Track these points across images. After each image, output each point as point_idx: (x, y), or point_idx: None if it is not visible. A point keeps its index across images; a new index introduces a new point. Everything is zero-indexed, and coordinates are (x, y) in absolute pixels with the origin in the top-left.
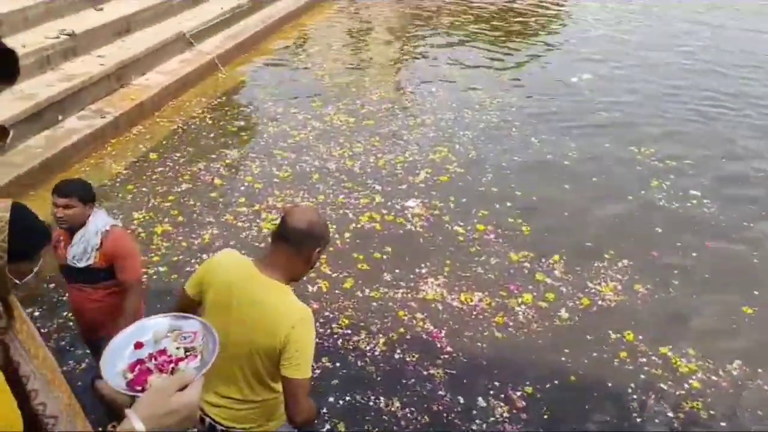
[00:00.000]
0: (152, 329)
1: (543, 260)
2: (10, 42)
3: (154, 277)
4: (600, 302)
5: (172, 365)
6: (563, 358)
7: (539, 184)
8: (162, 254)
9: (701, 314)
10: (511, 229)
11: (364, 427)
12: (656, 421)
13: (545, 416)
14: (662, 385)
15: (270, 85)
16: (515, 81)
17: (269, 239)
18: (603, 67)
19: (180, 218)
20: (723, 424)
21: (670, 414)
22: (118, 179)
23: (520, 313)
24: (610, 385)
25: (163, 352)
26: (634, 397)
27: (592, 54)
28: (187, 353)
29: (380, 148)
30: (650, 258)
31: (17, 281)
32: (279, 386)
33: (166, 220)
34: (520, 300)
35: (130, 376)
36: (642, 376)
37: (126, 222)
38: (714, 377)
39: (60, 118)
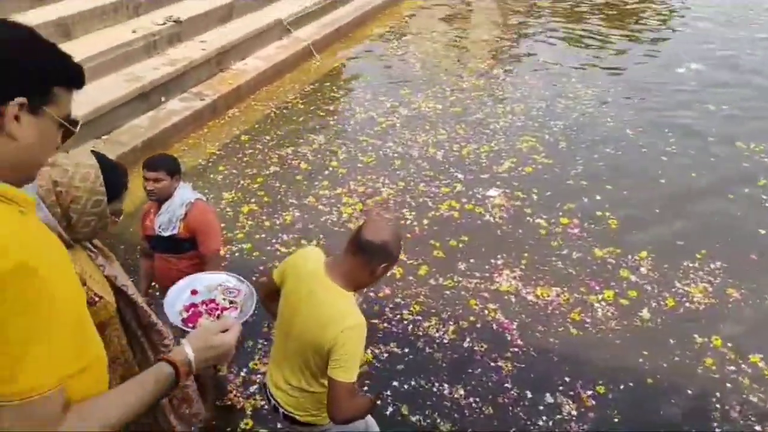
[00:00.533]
0: (207, 281)
1: (629, 257)
2: (123, 28)
3: (237, 254)
4: (687, 304)
5: (218, 312)
6: (641, 360)
7: (632, 178)
8: (246, 232)
9: None
10: (598, 224)
11: (426, 413)
12: None
13: (615, 419)
14: (751, 397)
15: (362, 72)
16: (616, 70)
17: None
18: (713, 58)
19: (266, 199)
20: None
21: (758, 428)
22: (212, 160)
23: (599, 310)
24: (690, 392)
25: (212, 300)
26: (717, 406)
27: (702, 45)
28: (231, 305)
29: (465, 137)
30: (748, 261)
31: (116, 219)
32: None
33: (253, 200)
34: (600, 297)
35: (185, 315)
36: (728, 385)
37: (216, 201)
38: None
39: (163, 99)
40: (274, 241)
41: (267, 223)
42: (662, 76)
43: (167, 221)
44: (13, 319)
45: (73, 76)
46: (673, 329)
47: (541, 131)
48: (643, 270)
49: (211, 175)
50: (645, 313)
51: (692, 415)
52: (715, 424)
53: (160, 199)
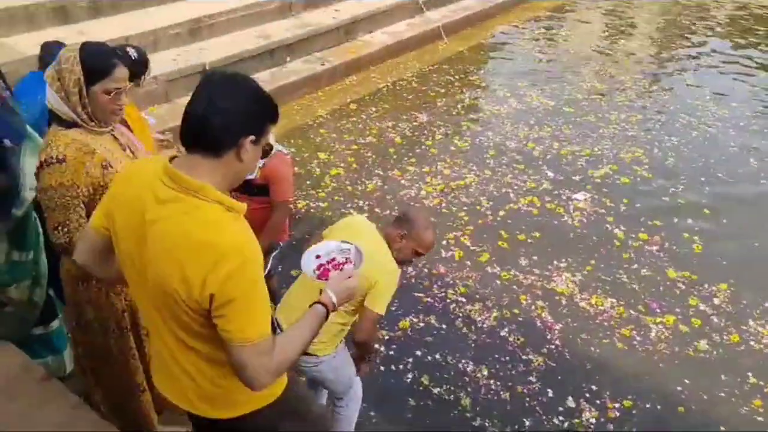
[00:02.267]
0: (324, 249)
1: (705, 285)
2: None
3: (312, 210)
4: (753, 343)
5: (340, 266)
6: (680, 388)
7: (738, 207)
8: (327, 192)
9: None
10: (681, 246)
11: (446, 386)
12: None
13: None
14: None
15: (484, 60)
16: (758, 96)
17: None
18: None
19: (354, 166)
20: None
21: None
22: (317, 121)
23: (653, 331)
24: (722, 429)
25: (333, 259)
26: None
27: None
28: (347, 260)
29: (569, 137)
30: None
31: (112, 99)
32: (347, 318)
33: (342, 164)
34: (658, 319)
35: (318, 272)
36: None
37: (309, 159)
38: None
39: (288, 59)
40: (349, 205)
41: (349, 188)
42: None
43: None
44: (252, 291)
45: (276, 114)
46: (727, 365)
47: (651, 144)
48: (716, 301)
49: (311, 135)
50: (702, 343)
51: None
52: None
53: None
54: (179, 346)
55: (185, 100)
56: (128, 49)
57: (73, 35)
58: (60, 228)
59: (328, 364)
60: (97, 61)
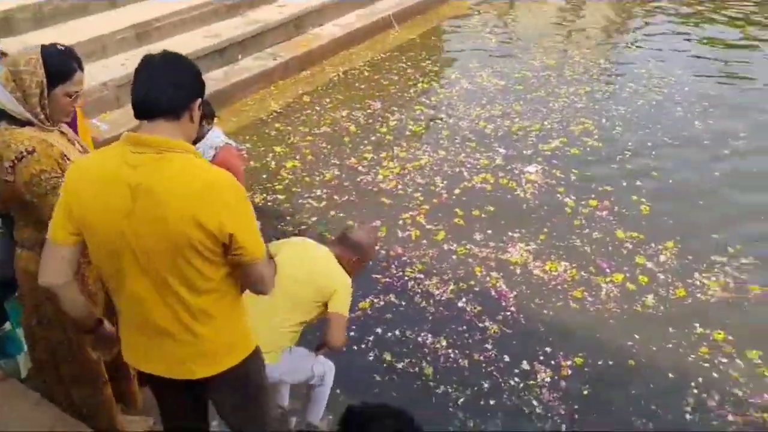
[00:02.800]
0: None
1: (652, 244)
2: None
3: (269, 203)
4: (699, 295)
5: None
6: (630, 342)
7: (683, 168)
8: (285, 184)
9: None
10: (630, 209)
11: (409, 360)
12: (711, 422)
13: (585, 391)
14: (736, 390)
15: (435, 45)
16: (710, 62)
17: None
18: None
19: (310, 157)
20: None
21: (730, 418)
22: (272, 116)
23: (604, 290)
24: (671, 376)
25: None
26: (695, 392)
27: None
28: None
29: (520, 113)
30: None
31: (72, 101)
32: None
33: (298, 156)
34: (608, 279)
35: None
36: (714, 375)
37: (264, 153)
38: None
39: (239, 57)
40: (306, 195)
41: (307, 179)
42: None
43: None
44: (252, 214)
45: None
46: (674, 318)
47: (600, 115)
48: (662, 258)
49: (266, 130)
50: (649, 299)
51: (664, 398)
52: (688, 409)
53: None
54: (177, 309)
55: None
56: (58, 46)
57: (18, 46)
58: None
59: (278, 370)
60: (59, 64)
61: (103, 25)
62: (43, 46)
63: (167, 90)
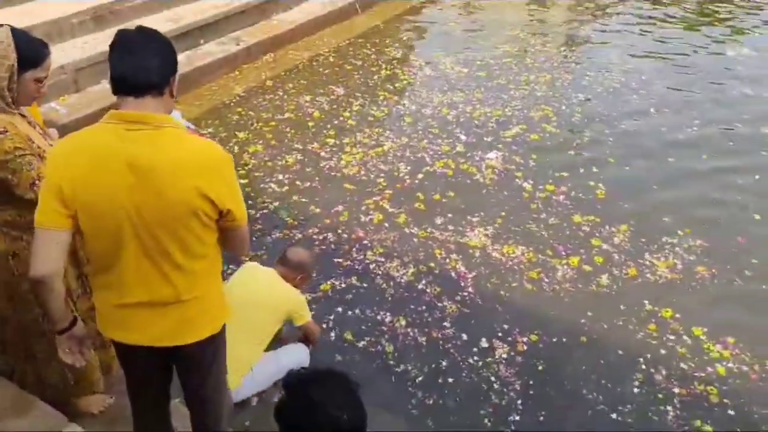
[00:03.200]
0: None
1: (607, 227)
2: None
3: None
4: (648, 275)
5: None
6: (583, 320)
7: (639, 154)
8: (247, 169)
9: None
10: (586, 193)
11: (369, 338)
12: (657, 395)
13: (539, 367)
14: (682, 365)
15: (399, 32)
16: (663, 49)
17: None
18: None
19: (273, 142)
20: (731, 413)
21: (675, 390)
22: (234, 101)
23: (560, 272)
24: (620, 352)
25: None
26: (643, 367)
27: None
28: None
29: (481, 100)
30: (732, 243)
31: (41, 87)
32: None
33: (261, 142)
34: (564, 261)
35: None
36: (662, 351)
37: (227, 138)
38: (745, 368)
39: (201, 41)
40: (268, 179)
41: (269, 164)
42: (712, 59)
43: None
44: (236, 180)
45: None
46: (626, 296)
47: (560, 102)
48: (616, 240)
49: (229, 115)
50: (604, 279)
51: (614, 373)
52: (636, 383)
53: None
54: (173, 277)
55: (96, 88)
56: None
57: None
58: (35, 184)
59: (246, 389)
60: (31, 49)
61: (60, 7)
62: (12, 29)
63: (154, 65)
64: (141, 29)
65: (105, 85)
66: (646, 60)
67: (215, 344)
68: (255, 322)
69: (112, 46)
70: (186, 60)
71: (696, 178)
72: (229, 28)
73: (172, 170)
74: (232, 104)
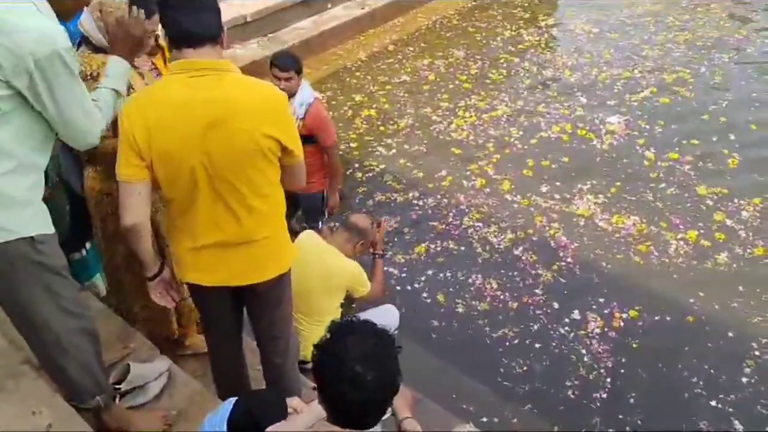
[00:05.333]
0: None
1: (735, 200)
2: None
3: (341, 152)
4: None
5: None
6: (692, 299)
7: None
8: (359, 134)
9: None
10: (716, 163)
11: (455, 300)
12: (766, 386)
13: (634, 344)
14: None
15: None
16: None
17: None
18: None
19: (386, 106)
20: None
21: None
22: (357, 64)
23: (673, 246)
24: (731, 335)
25: None
26: (756, 353)
27: None
28: None
29: (609, 62)
30: None
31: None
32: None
33: (375, 106)
34: (680, 236)
35: None
36: None
37: (344, 102)
38: None
39: (329, 6)
40: (377, 144)
41: (381, 128)
42: None
43: None
44: (292, 120)
45: None
46: (746, 277)
47: (699, 63)
48: (744, 214)
49: (347, 78)
50: (722, 257)
51: (721, 357)
52: (747, 371)
53: (289, 95)
54: (244, 216)
55: (228, 53)
56: None
57: None
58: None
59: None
60: (142, 3)
61: None
62: None
63: (210, 16)
64: None
65: (236, 51)
66: None
67: (283, 284)
68: (310, 302)
69: (163, 3)
70: (312, 25)
71: None
72: None
73: (238, 113)
74: (353, 68)
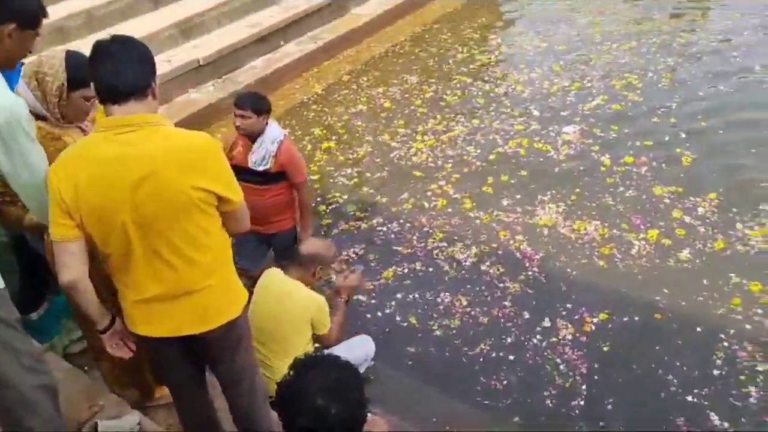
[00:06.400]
0: None
1: (691, 198)
2: None
3: None
4: (739, 246)
5: None
6: (658, 297)
7: (737, 117)
8: (319, 166)
9: None
10: (670, 163)
11: (426, 321)
12: (738, 376)
13: (606, 348)
14: None
15: (478, 13)
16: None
17: None
18: None
19: (345, 136)
20: None
21: (759, 368)
22: (313, 97)
23: (636, 247)
24: (699, 330)
25: None
26: (725, 344)
27: None
28: None
29: (559, 73)
30: None
31: (89, 105)
32: None
33: (333, 137)
34: (641, 236)
35: None
36: (747, 326)
37: (302, 136)
38: None
39: (282, 43)
40: (337, 174)
41: (341, 158)
42: None
43: (261, 158)
44: (228, 165)
45: None
46: (709, 271)
47: (646, 68)
48: (701, 210)
49: (304, 113)
50: (684, 253)
51: (691, 353)
52: (718, 363)
53: (248, 134)
54: (184, 269)
55: (183, 98)
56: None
57: None
58: None
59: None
60: (81, 71)
61: (149, 24)
62: (67, 52)
63: (135, 70)
64: (115, 38)
65: (191, 95)
66: (749, 17)
67: (237, 329)
68: (278, 338)
69: (91, 57)
70: (266, 63)
71: None
72: (308, 28)
73: (167, 167)
74: (310, 102)
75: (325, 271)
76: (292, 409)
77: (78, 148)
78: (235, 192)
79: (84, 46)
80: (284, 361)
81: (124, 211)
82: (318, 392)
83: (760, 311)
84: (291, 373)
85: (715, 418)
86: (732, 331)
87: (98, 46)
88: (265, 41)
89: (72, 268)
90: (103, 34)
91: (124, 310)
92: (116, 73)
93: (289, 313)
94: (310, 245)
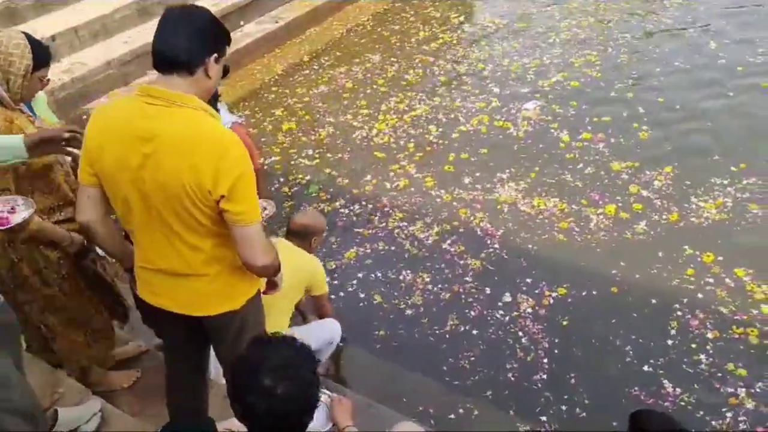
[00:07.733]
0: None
1: (648, 172)
2: None
3: (266, 167)
4: (693, 219)
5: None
6: (614, 270)
7: (693, 92)
8: (282, 148)
9: None
10: (627, 138)
11: (389, 299)
12: (690, 344)
13: (564, 322)
14: (721, 308)
15: None
16: None
17: None
18: None
19: (306, 117)
20: None
21: (709, 335)
22: (274, 78)
23: (593, 221)
24: (654, 301)
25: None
26: (679, 314)
27: None
28: (13, 208)
29: (519, 51)
30: None
31: (45, 83)
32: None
33: (294, 118)
34: (600, 210)
35: None
36: (699, 296)
37: (263, 118)
38: None
39: (241, 23)
40: (300, 155)
41: (304, 139)
42: None
43: None
44: (252, 178)
45: (229, 35)
46: (664, 242)
47: (605, 45)
48: (657, 184)
49: (266, 94)
50: (641, 226)
51: (646, 324)
52: (672, 332)
53: None
54: (184, 252)
55: (143, 80)
56: None
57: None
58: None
59: None
60: (42, 50)
61: (107, 4)
62: (24, 33)
63: (181, 44)
64: (183, 7)
65: (152, 76)
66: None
67: (241, 318)
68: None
69: (159, 21)
70: None
71: (758, 111)
72: (268, 7)
73: (173, 146)
74: (271, 83)
75: (321, 240)
76: (242, 386)
77: (111, 107)
78: (242, 203)
79: (39, 26)
80: (275, 319)
81: (129, 183)
82: (266, 371)
83: (711, 280)
84: (246, 349)
85: (668, 385)
86: (685, 300)
87: (166, 12)
88: (225, 21)
89: (86, 210)
90: (56, 15)
91: (136, 271)
92: (165, 42)
93: (290, 271)
94: (304, 216)
